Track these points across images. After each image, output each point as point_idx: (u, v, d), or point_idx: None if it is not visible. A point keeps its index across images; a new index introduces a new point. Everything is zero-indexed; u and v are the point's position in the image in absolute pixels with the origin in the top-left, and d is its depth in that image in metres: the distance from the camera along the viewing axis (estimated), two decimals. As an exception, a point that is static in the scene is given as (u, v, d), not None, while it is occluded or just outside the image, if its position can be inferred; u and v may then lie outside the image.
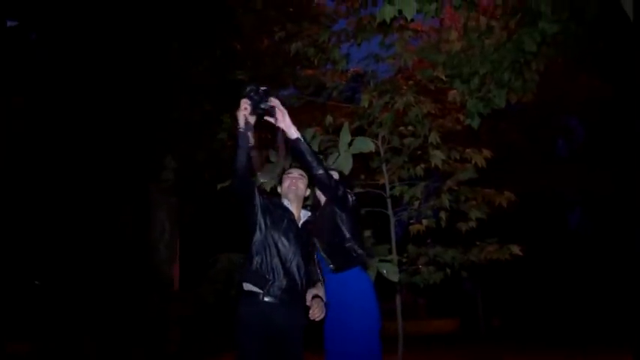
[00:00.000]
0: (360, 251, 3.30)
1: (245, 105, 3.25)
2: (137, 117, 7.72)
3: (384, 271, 3.49)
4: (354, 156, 4.62)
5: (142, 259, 5.28)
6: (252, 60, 8.41)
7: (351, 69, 7.11)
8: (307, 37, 6.56)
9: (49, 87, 8.63)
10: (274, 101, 3.31)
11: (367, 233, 4.81)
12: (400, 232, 9.98)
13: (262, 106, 3.28)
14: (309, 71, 7.04)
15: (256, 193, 3.44)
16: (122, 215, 7.61)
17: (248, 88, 3.28)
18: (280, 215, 3.42)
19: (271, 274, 3.29)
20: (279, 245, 3.34)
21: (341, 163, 3.70)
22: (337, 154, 3.77)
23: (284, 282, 3.30)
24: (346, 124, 3.74)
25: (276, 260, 3.31)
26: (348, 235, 3.29)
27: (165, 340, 5.08)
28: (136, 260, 5.04)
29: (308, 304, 3.29)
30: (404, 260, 5.77)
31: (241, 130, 3.16)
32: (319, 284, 3.34)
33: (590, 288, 18.98)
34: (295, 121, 3.45)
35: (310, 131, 4.89)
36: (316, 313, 3.27)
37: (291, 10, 7.99)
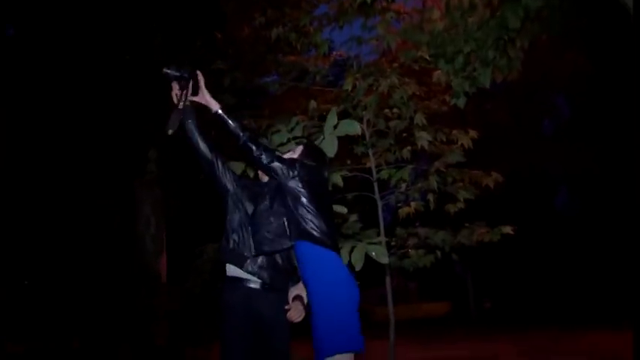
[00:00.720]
0: (312, 225, 2.99)
1: (173, 86, 3.24)
2: (118, 110, 7.57)
3: (373, 254, 3.40)
4: (340, 140, 4.56)
5: (127, 253, 5.19)
6: (233, 48, 8.28)
7: (334, 53, 7.03)
8: (289, 22, 6.46)
9: (29, 82, 8.48)
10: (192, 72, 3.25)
11: (353, 217, 4.75)
12: (389, 216, 9.94)
13: (183, 73, 3.22)
14: (292, 57, 6.94)
15: (221, 168, 3.42)
16: (106, 209, 7.49)
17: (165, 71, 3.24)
18: (257, 191, 3.35)
19: (248, 251, 3.22)
20: (250, 221, 3.28)
21: (326, 145, 3.60)
22: (322, 137, 3.66)
23: (263, 260, 3.23)
24: (333, 109, 3.65)
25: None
26: (292, 206, 3.03)
27: (152, 334, 5.00)
28: (122, 254, 4.95)
29: (288, 306, 3.20)
30: (392, 243, 5.72)
31: (179, 108, 3.12)
32: (302, 283, 3.20)
33: (579, 267, 19.13)
34: (278, 108, 3.40)
35: (295, 119, 4.79)
36: (294, 315, 3.17)
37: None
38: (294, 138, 3.82)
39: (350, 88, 5.68)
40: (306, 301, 3.14)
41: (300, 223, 3.01)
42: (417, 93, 5.93)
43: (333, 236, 3.08)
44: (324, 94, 7.00)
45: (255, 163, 3.24)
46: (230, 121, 3.14)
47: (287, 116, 6.15)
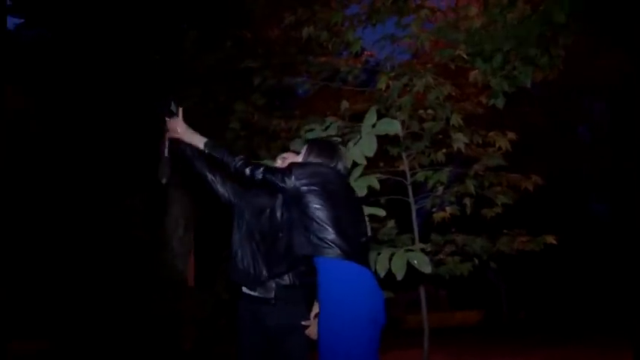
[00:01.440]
0: (316, 239, 2.71)
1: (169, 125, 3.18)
2: (148, 109, 7.50)
3: (415, 262, 3.18)
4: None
5: (154, 255, 5.10)
6: (263, 48, 8.17)
7: (365, 53, 6.86)
8: (319, 21, 6.31)
9: (58, 80, 8.51)
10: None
11: (391, 223, 4.55)
12: (420, 221, 9.65)
13: (171, 110, 3.19)
14: (322, 57, 6.78)
15: (221, 183, 3.36)
16: (133, 210, 7.43)
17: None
18: (263, 205, 3.23)
19: (259, 271, 3.09)
20: (256, 237, 3.17)
21: (363, 145, 3.40)
22: (359, 136, 3.47)
23: (275, 279, 3.10)
24: (373, 108, 3.46)
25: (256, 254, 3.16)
26: (298, 218, 2.81)
27: (179, 338, 4.88)
28: (148, 256, 4.86)
29: (307, 322, 3.02)
30: (428, 250, 5.50)
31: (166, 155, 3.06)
32: None
33: (619, 276, 18.52)
34: (309, 109, 3.26)
35: (329, 119, 4.62)
36: (313, 332, 2.98)
37: (302, -1, 7.72)
38: (328, 137, 3.63)
39: (383, 88, 5.48)
40: None
41: (306, 236, 2.75)
42: (453, 94, 5.71)
43: (348, 244, 2.72)
44: (356, 94, 6.82)
45: (251, 184, 3.04)
46: (217, 153, 3.01)
47: (318, 117, 6.02)
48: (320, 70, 6.44)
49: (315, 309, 2.99)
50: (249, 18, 8.22)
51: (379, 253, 3.28)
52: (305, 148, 3.11)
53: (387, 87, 5.59)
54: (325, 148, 3.04)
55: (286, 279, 3.07)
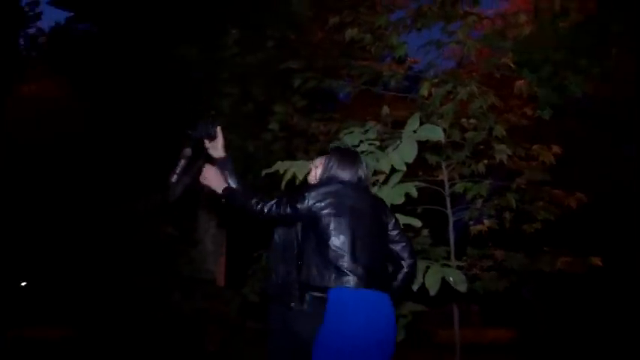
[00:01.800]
0: (332, 268, 2.62)
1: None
2: (186, 108, 7.52)
3: (451, 279, 3.03)
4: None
5: (183, 252, 5.06)
6: (306, 50, 8.10)
7: (409, 59, 6.73)
8: (364, 23, 6.21)
9: (101, 74, 8.61)
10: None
11: (425, 232, 4.40)
12: (457, 234, 9.43)
13: (210, 132, 3.20)
14: (365, 62, 6.68)
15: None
16: (163, 205, 7.40)
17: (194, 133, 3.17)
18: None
19: (288, 285, 3.04)
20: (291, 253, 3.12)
21: (403, 150, 3.26)
22: (399, 141, 3.34)
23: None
24: (416, 114, 3.33)
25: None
26: (314, 248, 2.73)
27: (204, 338, 4.83)
28: (176, 252, 4.82)
29: None
30: (462, 264, 5.32)
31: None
32: None
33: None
34: (349, 113, 3.17)
35: (369, 123, 4.49)
36: None
37: (347, 1, 7.63)
38: (368, 140, 3.50)
39: (426, 95, 5.34)
40: None
41: (321, 266, 2.67)
42: (496, 104, 5.53)
43: (366, 269, 2.61)
44: (397, 101, 6.69)
45: (273, 222, 2.99)
46: (233, 201, 2.93)
47: (358, 122, 5.91)
48: (362, 73, 6.33)
49: None
50: (293, 19, 8.17)
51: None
52: (325, 157, 3.03)
53: (430, 94, 5.45)
54: (346, 156, 2.95)
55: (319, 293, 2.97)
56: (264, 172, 3.58)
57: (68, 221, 9.33)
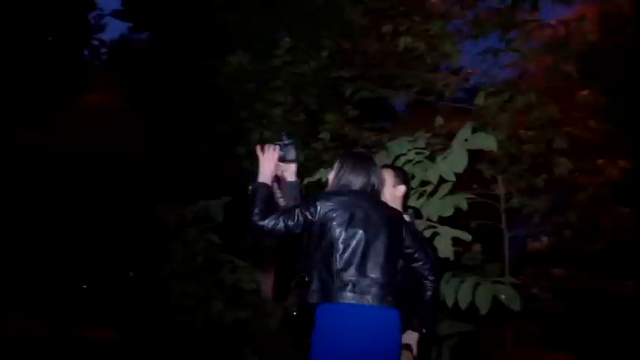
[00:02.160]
0: (338, 281, 2.47)
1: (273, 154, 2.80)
2: (238, 116, 7.49)
3: (503, 297, 2.80)
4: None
5: (229, 262, 5.00)
6: (359, 59, 7.96)
7: (464, 70, 6.50)
8: (419, 32, 6.04)
9: (155, 87, 8.76)
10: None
11: (477, 247, 4.15)
12: (514, 251, 9.02)
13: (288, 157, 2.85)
14: (420, 71, 6.50)
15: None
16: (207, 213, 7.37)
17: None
18: None
19: None
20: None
21: (453, 159, 3.05)
22: (449, 151, 3.13)
23: None
24: (470, 123, 3.11)
25: None
26: (319, 261, 2.54)
27: (245, 350, 4.72)
28: (222, 263, 4.76)
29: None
30: (518, 282, 5.02)
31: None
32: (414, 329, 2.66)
33: None
34: (402, 124, 3.02)
35: (419, 132, 4.29)
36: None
37: (402, 8, 7.45)
38: (416, 149, 3.31)
39: (481, 104, 5.10)
40: (415, 351, 2.63)
41: (325, 278, 2.50)
42: (558, 117, 5.23)
43: (374, 283, 2.45)
44: (452, 112, 6.46)
45: (278, 236, 2.64)
46: (251, 198, 2.68)
47: (410, 132, 5.72)
48: (416, 82, 6.15)
49: (405, 340, 2.67)
50: (347, 28, 8.05)
51: (462, 281, 2.92)
52: (337, 161, 2.84)
53: (485, 104, 5.21)
54: (359, 161, 2.76)
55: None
56: (306, 180, 3.45)
57: (122, 228, 9.51)
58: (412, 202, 3.16)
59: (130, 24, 10.35)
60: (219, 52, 7.41)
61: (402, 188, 2.90)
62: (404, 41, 5.92)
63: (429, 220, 3.05)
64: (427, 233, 2.95)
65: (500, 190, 5.34)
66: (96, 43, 13.90)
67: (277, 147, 2.84)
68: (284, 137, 2.87)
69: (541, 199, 5.08)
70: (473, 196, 3.39)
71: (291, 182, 2.90)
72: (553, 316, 5.50)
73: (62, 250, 10.85)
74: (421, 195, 3.18)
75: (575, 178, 5.25)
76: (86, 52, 14.20)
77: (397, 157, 3.37)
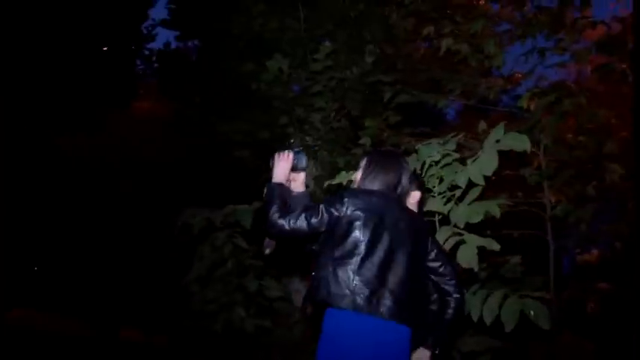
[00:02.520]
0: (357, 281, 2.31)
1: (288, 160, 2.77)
2: (279, 122, 7.42)
3: (531, 313, 2.56)
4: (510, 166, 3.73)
5: (254, 268, 4.89)
6: (403, 64, 7.78)
7: (517, 74, 6.22)
8: (462, 33, 5.82)
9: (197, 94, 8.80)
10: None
11: (515, 259, 3.89)
12: (567, 264, 8.57)
13: (299, 166, 2.82)
14: (464, 75, 6.27)
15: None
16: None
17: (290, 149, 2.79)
18: None
19: None
20: None
21: (483, 161, 2.83)
22: (480, 152, 2.91)
23: None
24: (502, 123, 2.88)
25: None
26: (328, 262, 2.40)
27: (266, 359, 4.59)
28: (247, 269, 4.64)
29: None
30: (548, 297, 4.69)
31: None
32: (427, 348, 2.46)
33: None
34: (445, 129, 2.83)
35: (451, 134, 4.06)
36: None
37: (447, 11, 7.24)
38: (446, 151, 3.10)
39: (525, 106, 4.82)
40: None
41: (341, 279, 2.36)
42: (609, 120, 4.91)
43: (391, 295, 2.29)
44: (501, 118, 6.18)
45: (300, 236, 2.48)
46: (268, 197, 2.62)
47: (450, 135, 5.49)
48: (457, 87, 5.92)
49: (417, 356, 2.48)
50: (390, 32, 7.88)
51: (489, 295, 2.70)
52: (365, 159, 2.66)
53: (530, 106, 4.93)
54: (389, 160, 2.58)
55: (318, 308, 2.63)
56: (326, 184, 3.30)
57: (155, 232, 9.60)
58: (439, 208, 2.96)
59: (177, 33, 10.45)
60: (259, 57, 7.37)
61: (417, 194, 2.74)
62: (446, 43, 5.72)
63: (455, 227, 2.84)
64: (452, 241, 2.74)
65: (547, 197, 5.03)
66: (146, 52, 14.28)
67: (291, 153, 2.74)
68: (295, 145, 2.80)
69: (588, 207, 4.74)
70: (509, 202, 3.13)
71: (299, 193, 2.77)
72: (607, 332, 5.13)
73: (86, 252, 11.02)
74: (449, 200, 2.97)
75: (626, 185, 4.89)
76: (138, 62, 14.63)
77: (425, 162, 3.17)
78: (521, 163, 5.25)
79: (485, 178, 2.86)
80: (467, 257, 2.66)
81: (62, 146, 11.00)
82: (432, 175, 3.05)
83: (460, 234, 2.78)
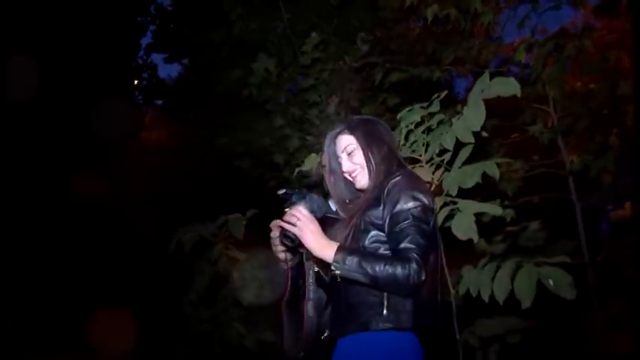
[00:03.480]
0: None
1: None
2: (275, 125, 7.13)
3: (550, 282, 2.12)
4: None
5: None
6: (396, 45, 7.42)
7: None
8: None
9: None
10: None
11: (534, 225, 3.45)
12: (606, 225, 7.98)
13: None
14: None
15: None
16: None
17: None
18: None
19: None
20: None
21: (468, 116, 2.43)
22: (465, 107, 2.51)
23: None
24: (487, 72, 2.47)
25: None
26: None
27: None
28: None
29: None
30: (598, 258, 4.23)
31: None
32: None
33: None
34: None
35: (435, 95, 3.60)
36: None
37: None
38: (431, 114, 2.70)
39: (522, 59, 4.38)
40: None
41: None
42: (619, 59, 4.44)
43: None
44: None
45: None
46: (359, 273, 1.81)
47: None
48: (450, 54, 5.51)
49: None
50: (377, 15, 7.54)
51: (499, 267, 2.28)
52: (380, 126, 2.26)
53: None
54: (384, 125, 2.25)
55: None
56: (297, 170, 2.93)
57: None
58: (428, 177, 2.57)
59: (165, 55, 10.27)
60: (245, 62, 7.10)
61: None
62: (432, 10, 5.32)
63: (448, 195, 2.44)
64: (444, 212, 2.34)
65: (564, 154, 4.59)
66: (144, 82, 14.18)
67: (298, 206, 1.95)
68: (288, 193, 2.03)
69: (608, 155, 4.27)
70: (505, 159, 2.69)
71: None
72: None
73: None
74: (438, 167, 2.57)
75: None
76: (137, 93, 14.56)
77: (412, 126, 2.77)
78: (531, 122, 4.85)
79: (477, 136, 2.47)
80: (463, 227, 2.25)
81: (72, 182, 10.89)
82: (416, 141, 2.66)
83: (454, 202, 2.38)
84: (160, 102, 13.83)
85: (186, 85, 9.61)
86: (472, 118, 2.39)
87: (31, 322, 8.27)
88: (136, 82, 14.56)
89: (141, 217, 10.86)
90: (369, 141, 2.09)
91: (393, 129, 5.00)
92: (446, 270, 2.49)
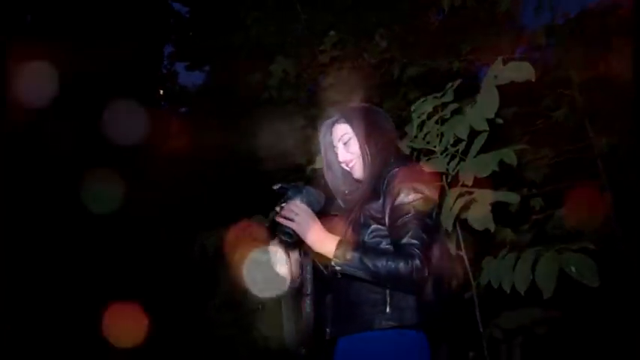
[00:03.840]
0: None
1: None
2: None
3: (573, 269, 2.03)
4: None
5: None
6: (414, 38, 7.35)
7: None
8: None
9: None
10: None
11: (559, 212, 3.33)
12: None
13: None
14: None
15: None
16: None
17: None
18: None
19: None
20: None
21: (482, 103, 2.36)
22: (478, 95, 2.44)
23: None
24: (499, 58, 2.40)
25: None
26: None
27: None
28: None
29: None
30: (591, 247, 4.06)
31: None
32: None
33: None
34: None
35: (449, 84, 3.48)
36: None
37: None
38: (445, 104, 2.63)
39: (542, 43, 4.26)
40: None
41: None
42: None
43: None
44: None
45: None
46: (359, 268, 1.76)
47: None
48: (468, 44, 5.43)
49: None
50: (395, 10, 7.49)
51: (519, 257, 2.19)
52: (382, 115, 2.22)
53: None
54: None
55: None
56: (310, 168, 2.89)
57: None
58: (443, 168, 2.50)
59: (186, 63, 10.41)
60: (264, 65, 7.12)
61: None
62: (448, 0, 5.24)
63: (464, 185, 2.36)
64: (460, 202, 2.26)
65: (591, 135, 4.44)
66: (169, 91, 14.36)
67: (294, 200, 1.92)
68: (283, 186, 2.00)
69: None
70: (524, 146, 2.61)
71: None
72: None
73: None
74: (453, 157, 2.50)
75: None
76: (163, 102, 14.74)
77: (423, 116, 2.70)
78: (555, 107, 4.71)
79: (492, 123, 2.39)
80: (479, 218, 2.18)
81: (99, 189, 11.07)
82: (430, 132, 2.59)
83: (470, 192, 2.30)
84: (183, 109, 13.99)
85: (208, 92, 9.71)
86: (486, 105, 2.32)
87: (51, 329, 8.45)
88: (162, 91, 14.76)
89: (166, 222, 10.99)
90: (365, 130, 2.05)
91: (408, 121, 4.91)
92: (466, 261, 2.42)
